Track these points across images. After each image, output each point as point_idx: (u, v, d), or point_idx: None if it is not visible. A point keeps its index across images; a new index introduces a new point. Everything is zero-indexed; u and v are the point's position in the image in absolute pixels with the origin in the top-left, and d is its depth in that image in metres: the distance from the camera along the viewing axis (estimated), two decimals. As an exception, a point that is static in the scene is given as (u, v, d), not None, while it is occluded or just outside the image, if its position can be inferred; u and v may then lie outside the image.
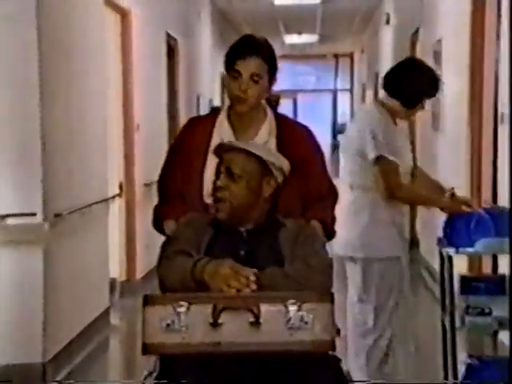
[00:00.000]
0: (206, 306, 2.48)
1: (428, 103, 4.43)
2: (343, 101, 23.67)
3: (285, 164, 2.92)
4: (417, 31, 9.25)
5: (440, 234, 4.29)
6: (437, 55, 7.64)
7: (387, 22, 12.46)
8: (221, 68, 15.31)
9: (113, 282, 6.72)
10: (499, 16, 5.40)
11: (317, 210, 3.08)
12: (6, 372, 4.64)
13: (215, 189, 2.86)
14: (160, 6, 8.53)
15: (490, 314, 4.08)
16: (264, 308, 2.49)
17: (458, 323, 4.10)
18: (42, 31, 4.79)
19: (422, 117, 7.91)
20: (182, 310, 2.47)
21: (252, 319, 2.48)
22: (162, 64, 8.68)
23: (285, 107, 18.23)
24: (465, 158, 6.28)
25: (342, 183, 4.25)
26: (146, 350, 2.50)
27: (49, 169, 4.85)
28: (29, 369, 4.74)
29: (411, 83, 4.16)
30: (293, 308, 2.49)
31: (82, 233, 5.58)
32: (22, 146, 4.74)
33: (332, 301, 2.54)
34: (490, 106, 5.80)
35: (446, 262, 4.20)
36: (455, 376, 4.09)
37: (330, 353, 2.61)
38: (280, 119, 3.16)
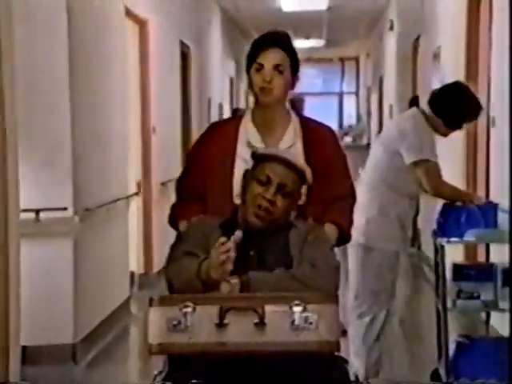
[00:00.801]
0: (211, 307, 2.50)
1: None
2: (349, 103, 24.01)
3: (310, 176, 2.93)
4: (418, 38, 9.65)
5: (435, 226, 4.75)
6: (435, 57, 8.07)
7: (391, 28, 12.74)
8: (230, 72, 15.65)
9: (132, 275, 7.16)
10: (491, 28, 5.83)
11: (334, 212, 3.08)
12: (41, 351, 5.09)
13: (262, 199, 2.83)
14: (174, 16, 8.98)
15: (478, 297, 4.52)
16: (269, 309, 2.51)
17: (449, 306, 4.54)
18: (72, 41, 5.24)
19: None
20: (188, 310, 2.49)
21: (257, 320, 2.49)
22: (176, 70, 9.12)
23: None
24: (462, 158, 6.70)
25: (363, 173, 4.68)
26: (153, 350, 2.53)
27: (78, 168, 5.29)
28: (60, 349, 5.19)
29: (456, 108, 4.50)
30: (297, 309, 2.50)
31: (107, 227, 6.02)
32: (54, 147, 5.18)
33: (337, 302, 2.56)
34: (488, 111, 6.21)
35: (440, 251, 4.65)
36: (446, 352, 4.53)
37: (336, 353, 2.65)
38: (304, 122, 3.18)
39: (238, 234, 2.68)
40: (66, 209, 5.16)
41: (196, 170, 3.13)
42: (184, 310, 2.48)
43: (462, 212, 4.55)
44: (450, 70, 7.32)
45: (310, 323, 2.49)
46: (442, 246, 4.59)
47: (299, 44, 18.23)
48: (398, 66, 12.13)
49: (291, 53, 3.09)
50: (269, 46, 3.06)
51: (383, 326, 4.66)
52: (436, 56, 8.08)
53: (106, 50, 6.19)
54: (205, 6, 11.59)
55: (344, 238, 3.11)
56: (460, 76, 6.68)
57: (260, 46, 3.08)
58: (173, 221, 3.15)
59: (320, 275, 2.70)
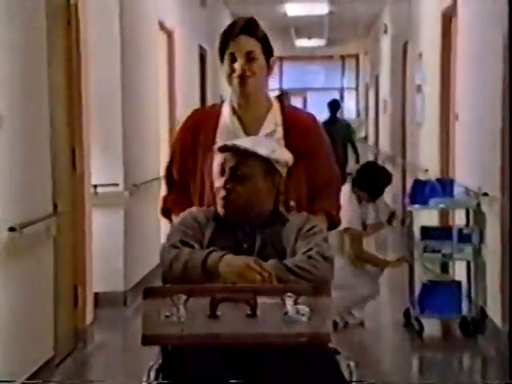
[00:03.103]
0: (204, 299, 2.51)
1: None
2: (349, 98, 25.15)
3: (288, 157, 2.89)
4: (407, 42, 10.94)
5: (407, 197, 6.15)
6: (420, 57, 9.39)
7: (385, 31, 13.90)
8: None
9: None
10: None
11: (323, 201, 3.07)
12: (97, 297, 6.38)
13: (220, 188, 2.83)
14: (194, 24, 10.39)
15: (439, 251, 5.91)
16: (261, 300, 2.51)
17: (416, 257, 5.94)
18: (123, 49, 6.62)
19: (408, 115, 9.85)
20: (181, 302, 2.51)
21: (249, 311, 2.50)
22: (196, 71, 10.53)
23: (295, 104, 19.35)
24: (437, 147, 8.05)
25: None
26: (146, 341, 2.54)
27: (126, 152, 6.68)
28: (114, 295, 6.56)
29: (374, 182, 5.96)
30: (290, 301, 2.51)
31: (146, 201, 7.41)
32: (108, 136, 6.55)
33: (329, 294, 2.56)
34: (454, 108, 7.53)
35: (410, 216, 6.06)
36: (414, 293, 5.93)
37: (330, 345, 2.67)
38: (286, 109, 3.12)
39: None
40: (117, 185, 6.51)
41: (181, 159, 3.09)
42: (176, 301, 2.51)
43: (426, 185, 5.97)
44: (429, 72, 8.63)
45: (302, 315, 2.50)
46: (411, 212, 6.02)
47: (302, 43, 19.44)
48: (391, 65, 13.37)
49: (262, 39, 3.01)
50: (238, 33, 2.97)
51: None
52: (420, 57, 9.39)
53: (144, 58, 7.56)
54: (217, 11, 12.96)
55: (334, 223, 3.13)
56: (436, 77, 8.00)
57: (229, 35, 2.99)
58: (165, 213, 3.14)
59: (313, 266, 2.69)
